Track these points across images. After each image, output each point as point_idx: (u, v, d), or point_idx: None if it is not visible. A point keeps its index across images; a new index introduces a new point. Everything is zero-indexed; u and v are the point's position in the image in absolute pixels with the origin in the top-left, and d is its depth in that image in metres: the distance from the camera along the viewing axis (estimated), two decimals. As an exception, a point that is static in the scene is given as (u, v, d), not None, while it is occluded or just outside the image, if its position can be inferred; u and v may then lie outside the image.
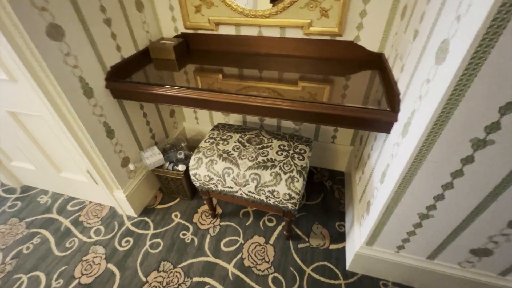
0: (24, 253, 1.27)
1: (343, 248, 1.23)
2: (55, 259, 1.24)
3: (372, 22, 1.06)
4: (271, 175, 0.99)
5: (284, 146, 1.11)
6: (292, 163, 1.03)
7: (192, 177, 1.11)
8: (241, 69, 1.17)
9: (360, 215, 1.13)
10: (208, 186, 1.11)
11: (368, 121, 0.85)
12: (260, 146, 1.11)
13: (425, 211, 0.80)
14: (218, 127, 1.26)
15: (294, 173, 0.99)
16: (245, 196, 1.07)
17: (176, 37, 1.33)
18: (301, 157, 1.05)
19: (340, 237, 1.28)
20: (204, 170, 1.06)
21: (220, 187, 1.08)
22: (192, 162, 1.10)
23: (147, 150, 1.30)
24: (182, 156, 1.33)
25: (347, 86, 1.00)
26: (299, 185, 0.97)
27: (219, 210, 1.42)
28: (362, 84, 1.00)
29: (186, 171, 1.32)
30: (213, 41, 1.29)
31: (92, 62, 1.00)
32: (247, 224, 1.35)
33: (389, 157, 0.85)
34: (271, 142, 1.13)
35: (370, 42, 1.11)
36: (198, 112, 1.68)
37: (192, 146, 1.87)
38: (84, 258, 1.23)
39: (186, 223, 1.37)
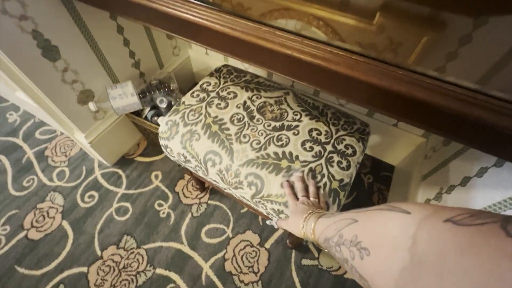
0: (-24, 181, 1.07)
1: (364, 283, 0.87)
2: (8, 197, 1.02)
3: None
4: (282, 185, 0.56)
5: (320, 132, 0.63)
6: (326, 171, 0.57)
7: (163, 148, 0.71)
8: None
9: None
10: (186, 166, 0.72)
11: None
12: (278, 123, 0.64)
13: None
14: (221, 71, 0.78)
15: (324, 193, 0.55)
16: (236, 196, 0.67)
17: None
18: (344, 163, 0.59)
19: (364, 264, 0.91)
20: (178, 144, 0.65)
21: (201, 174, 0.69)
22: (162, 126, 0.68)
23: (116, 85, 0.88)
24: (164, 104, 0.91)
25: (475, 44, 0.42)
26: (327, 216, 0.54)
27: (211, 183, 1.07)
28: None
29: (171, 126, 0.92)
30: None
31: None
32: (242, 211, 1.00)
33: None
34: (299, 119, 0.65)
35: None
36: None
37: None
38: (39, 206, 1.01)
39: (166, 190, 1.05)
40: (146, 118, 0.95)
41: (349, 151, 0.61)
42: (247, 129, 0.63)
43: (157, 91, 0.96)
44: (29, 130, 1.23)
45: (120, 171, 1.10)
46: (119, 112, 0.89)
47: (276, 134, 0.62)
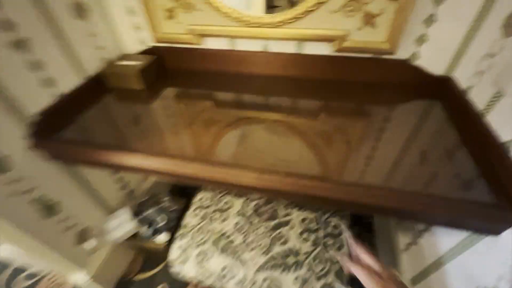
0: None
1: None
2: None
3: (443, 32, 0.68)
4: (296, 280, 0.65)
5: (310, 220, 0.76)
6: (326, 257, 0.68)
7: (173, 276, 0.76)
8: (238, 96, 0.81)
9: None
10: (201, 285, 0.76)
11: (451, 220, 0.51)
12: (274, 222, 0.76)
13: None
14: (211, 183, 0.90)
15: (331, 277, 0.65)
16: (255, 299, 0.73)
17: (144, 52, 0.93)
18: (337, 243, 0.71)
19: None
20: (192, 267, 0.71)
21: None
22: (174, 253, 0.74)
23: (112, 216, 0.94)
24: (164, 222, 0.97)
25: (389, 122, 0.64)
26: (340, 299, 0.63)
27: (217, 280, 1.08)
28: (415, 128, 0.65)
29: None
30: (198, 58, 0.90)
31: (-2, 114, 0.61)
32: (255, 301, 1.02)
33: (497, 279, 0.51)
34: (289, 214, 0.77)
35: (434, 61, 0.74)
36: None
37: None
38: None
39: (176, 303, 1.03)
40: (144, 237, 0.99)
41: (336, 230, 0.74)
42: (251, 235, 0.73)
43: (150, 208, 1.03)
44: (11, 277, 1.14)
45: (122, 297, 1.06)
46: (119, 241, 0.93)
47: (276, 232, 0.73)
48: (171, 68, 0.94)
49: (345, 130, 0.66)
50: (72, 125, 0.71)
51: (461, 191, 0.51)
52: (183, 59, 0.90)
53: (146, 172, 0.63)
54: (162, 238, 0.95)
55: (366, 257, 0.43)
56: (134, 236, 1.00)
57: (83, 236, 0.91)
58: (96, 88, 0.84)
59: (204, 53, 0.88)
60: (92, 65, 0.85)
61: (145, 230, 0.99)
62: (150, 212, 1.02)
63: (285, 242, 0.71)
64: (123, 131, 0.69)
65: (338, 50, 0.75)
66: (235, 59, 0.87)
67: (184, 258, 0.72)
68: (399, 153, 0.59)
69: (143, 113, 0.76)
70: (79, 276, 0.95)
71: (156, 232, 0.98)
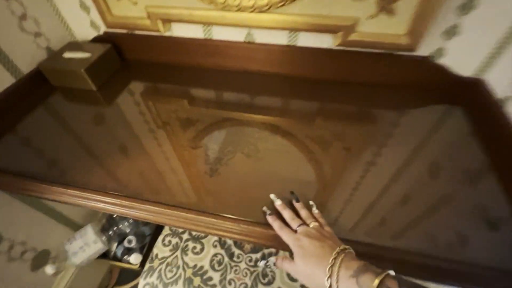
0: None
1: None
2: None
3: (483, 21, 0.51)
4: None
5: (300, 253, 0.64)
6: (317, 302, 0.57)
7: (145, 310, 0.66)
8: (217, 98, 0.65)
9: None
10: (175, 320, 0.67)
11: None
12: (258, 254, 0.64)
13: None
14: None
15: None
16: None
17: (98, 40, 0.74)
18: (332, 284, 0.60)
19: None
20: (162, 310, 0.61)
21: (193, 327, 0.64)
22: (140, 293, 0.63)
23: (75, 236, 0.81)
24: (133, 244, 0.85)
25: (396, 134, 0.50)
26: None
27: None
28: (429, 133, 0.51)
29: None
30: (164, 48, 0.71)
31: None
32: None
33: None
34: (277, 244, 0.65)
35: (464, 59, 0.57)
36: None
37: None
38: None
39: (155, 320, 0.95)
40: (115, 255, 0.88)
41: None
42: (230, 272, 0.62)
43: (120, 221, 0.91)
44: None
45: (96, 314, 0.98)
46: (84, 265, 0.81)
47: (260, 268, 0.62)
48: (132, 60, 0.76)
49: (343, 140, 0.52)
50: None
51: (488, 242, 0.39)
52: (145, 50, 0.72)
53: (92, 207, 0.49)
54: (133, 259, 0.83)
55: (286, 213, 0.41)
56: (105, 254, 0.89)
57: (41, 261, 0.79)
58: (33, 90, 0.66)
59: (172, 42, 0.69)
60: (27, 59, 0.66)
61: (115, 248, 0.87)
62: (121, 225, 0.89)
63: (270, 282, 0.60)
64: (59, 153, 0.53)
65: (343, 44, 0.58)
66: (211, 51, 0.69)
67: (151, 300, 0.61)
68: (406, 183, 0.46)
69: (90, 126, 0.59)
70: (42, 301, 0.85)
71: (128, 251, 0.87)
